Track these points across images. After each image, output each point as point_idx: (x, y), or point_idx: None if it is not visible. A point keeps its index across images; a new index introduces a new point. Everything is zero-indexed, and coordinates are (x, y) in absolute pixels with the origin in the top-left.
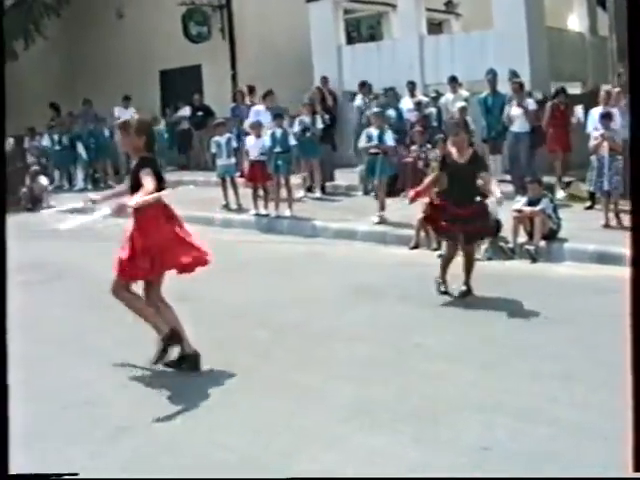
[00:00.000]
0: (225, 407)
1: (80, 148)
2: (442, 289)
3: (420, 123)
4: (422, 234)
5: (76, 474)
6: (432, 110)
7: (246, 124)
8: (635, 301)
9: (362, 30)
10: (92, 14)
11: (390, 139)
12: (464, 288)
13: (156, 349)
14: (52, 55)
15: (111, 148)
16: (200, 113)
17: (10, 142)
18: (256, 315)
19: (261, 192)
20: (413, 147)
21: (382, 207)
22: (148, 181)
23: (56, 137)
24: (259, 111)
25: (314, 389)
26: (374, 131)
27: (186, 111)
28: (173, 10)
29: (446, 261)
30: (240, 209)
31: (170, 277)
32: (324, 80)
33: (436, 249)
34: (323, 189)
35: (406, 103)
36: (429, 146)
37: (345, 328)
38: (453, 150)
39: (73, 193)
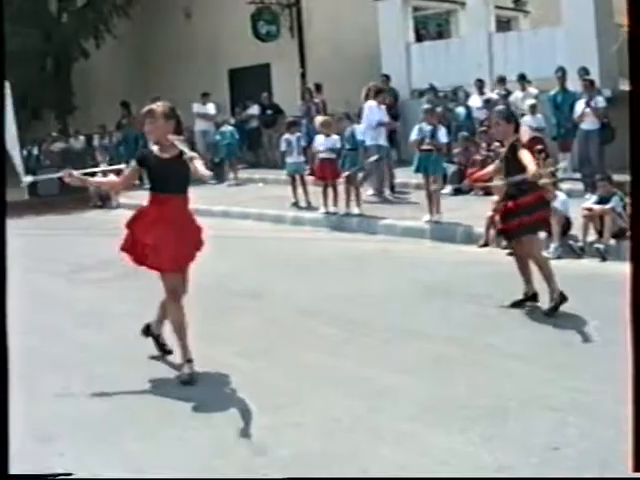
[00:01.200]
0: (296, 404)
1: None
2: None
3: (489, 121)
4: (491, 232)
5: (70, 474)
6: (501, 108)
7: (317, 122)
8: (635, 298)
9: (430, 28)
10: (160, 14)
11: (443, 136)
12: (552, 304)
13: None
14: (122, 54)
15: None
16: (269, 112)
17: (81, 140)
18: (326, 312)
19: (330, 190)
20: (482, 145)
21: (437, 206)
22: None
23: (127, 135)
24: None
25: (385, 386)
26: (426, 127)
27: (255, 109)
28: (242, 9)
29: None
30: (309, 207)
31: (242, 275)
32: (386, 78)
33: (505, 247)
34: (392, 188)
35: (474, 101)
36: (497, 144)
37: (415, 326)
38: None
39: (144, 191)
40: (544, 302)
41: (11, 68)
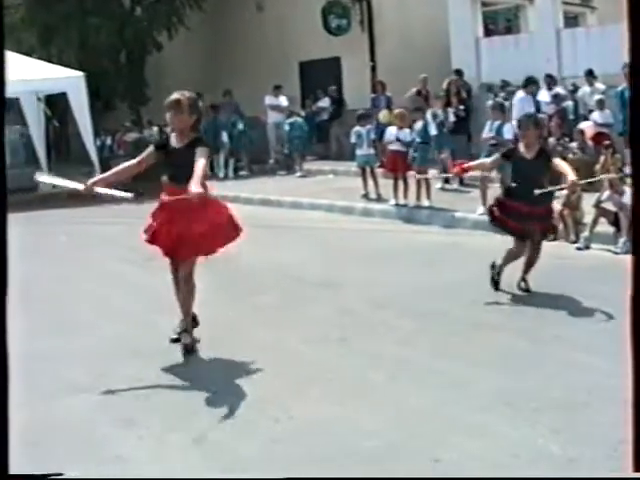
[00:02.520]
0: (370, 395)
1: (224, 136)
2: (496, 278)
3: (558, 116)
4: (561, 226)
5: (60, 474)
6: (569, 103)
7: (381, 116)
8: (636, 297)
9: (499, 23)
10: (232, 6)
11: (508, 132)
12: (523, 285)
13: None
14: (194, 46)
15: (248, 138)
16: (333, 105)
17: (154, 130)
18: (398, 303)
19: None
20: (550, 139)
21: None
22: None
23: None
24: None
25: (456, 377)
26: (494, 123)
27: (325, 102)
28: (313, 2)
29: (513, 258)
30: (379, 199)
31: (313, 265)
32: (458, 73)
33: (574, 241)
34: (461, 181)
35: (543, 96)
36: (567, 139)
37: (486, 318)
38: (521, 145)
39: (215, 181)
40: None
41: (86, 60)
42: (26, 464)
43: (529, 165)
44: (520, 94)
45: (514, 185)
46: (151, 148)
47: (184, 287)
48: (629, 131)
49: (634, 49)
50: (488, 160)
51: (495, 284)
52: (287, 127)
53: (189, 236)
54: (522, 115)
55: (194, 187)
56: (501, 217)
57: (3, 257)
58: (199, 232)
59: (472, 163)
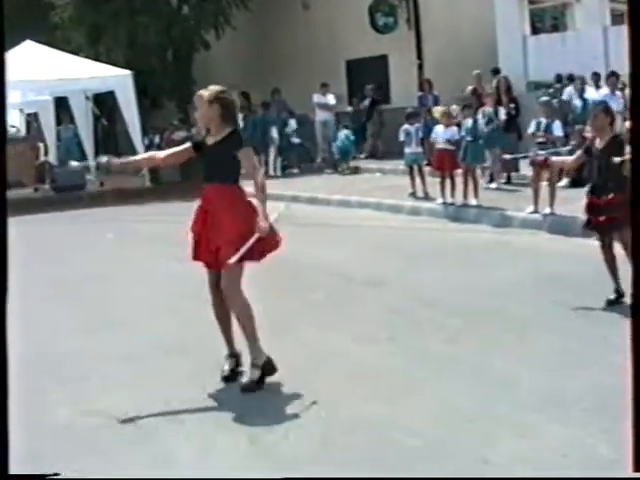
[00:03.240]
0: (418, 393)
1: (274, 132)
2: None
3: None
4: None
5: (58, 474)
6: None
7: (435, 112)
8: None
9: (546, 21)
10: (278, 5)
11: (558, 129)
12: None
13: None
14: (241, 45)
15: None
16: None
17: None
18: (447, 301)
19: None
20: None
21: (553, 198)
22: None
23: (246, 123)
24: None
25: (505, 376)
26: (543, 120)
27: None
28: (360, 1)
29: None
30: (427, 197)
31: (361, 263)
32: (496, 71)
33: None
34: (509, 179)
35: (591, 94)
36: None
37: (535, 317)
38: (594, 137)
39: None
40: None
41: (133, 59)
42: (73, 459)
43: (600, 155)
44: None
45: (592, 179)
46: (188, 144)
47: (231, 302)
48: (630, 136)
49: (634, 52)
50: (570, 158)
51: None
52: (334, 137)
53: (226, 235)
54: (594, 104)
55: (262, 223)
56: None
57: (3, 258)
58: (239, 232)
59: (555, 159)
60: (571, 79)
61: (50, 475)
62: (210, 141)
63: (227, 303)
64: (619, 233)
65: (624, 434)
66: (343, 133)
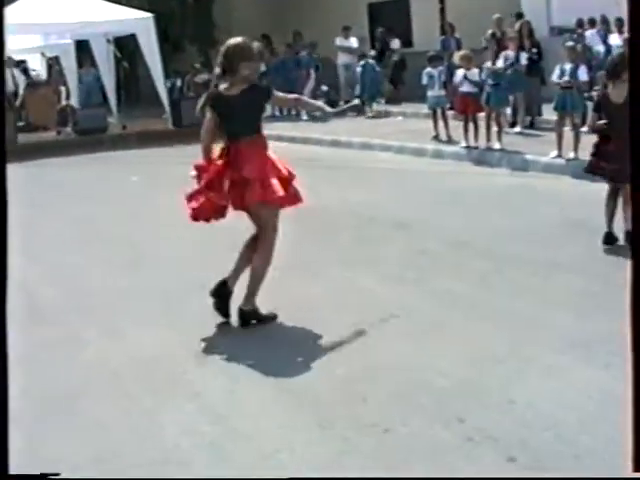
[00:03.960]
0: (445, 334)
1: (311, 72)
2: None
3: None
4: None
5: (58, 474)
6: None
7: (456, 57)
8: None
9: None
10: None
11: (584, 74)
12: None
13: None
14: None
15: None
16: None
17: (217, 72)
18: (473, 244)
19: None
20: None
21: (577, 144)
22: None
23: (269, 66)
24: None
25: (532, 318)
26: (567, 65)
27: (396, 44)
28: None
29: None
30: (450, 141)
31: (386, 205)
32: (519, 16)
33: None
34: (532, 123)
35: (614, 39)
36: None
37: (560, 260)
38: (610, 88)
39: (289, 122)
40: None
41: (153, 1)
42: (104, 401)
43: (618, 110)
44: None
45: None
46: (209, 113)
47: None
48: (630, 128)
49: (633, 47)
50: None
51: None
52: (359, 69)
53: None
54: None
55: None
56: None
57: (3, 252)
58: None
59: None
60: (592, 23)
61: (50, 475)
62: (233, 91)
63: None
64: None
65: None
66: (369, 63)
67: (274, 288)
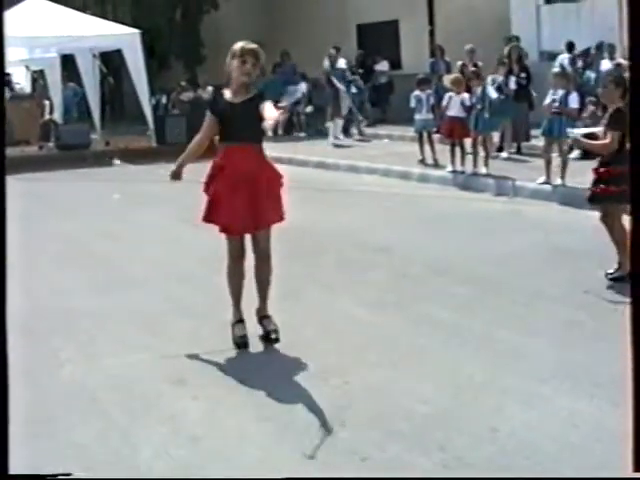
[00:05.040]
0: (426, 361)
1: (301, 87)
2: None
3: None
4: None
5: (69, 474)
6: (613, 70)
7: (445, 80)
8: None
9: None
10: None
11: (574, 101)
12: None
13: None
14: (251, 6)
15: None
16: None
17: (209, 90)
18: (456, 270)
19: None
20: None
21: (564, 170)
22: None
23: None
24: None
25: (514, 347)
26: (560, 92)
27: (384, 65)
28: None
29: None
30: (436, 165)
31: (370, 228)
32: (515, 39)
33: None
34: (519, 149)
35: (605, 65)
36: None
37: (545, 288)
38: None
39: (271, 142)
40: None
41: (140, 17)
42: (80, 422)
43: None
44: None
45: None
46: (210, 114)
47: (268, 262)
48: (630, 130)
49: (634, 47)
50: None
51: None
52: (342, 87)
53: (267, 200)
54: (607, 73)
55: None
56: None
57: (2, 251)
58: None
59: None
60: (586, 54)
61: (50, 475)
62: (238, 100)
63: (262, 264)
64: (612, 206)
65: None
66: (356, 80)
67: (254, 312)
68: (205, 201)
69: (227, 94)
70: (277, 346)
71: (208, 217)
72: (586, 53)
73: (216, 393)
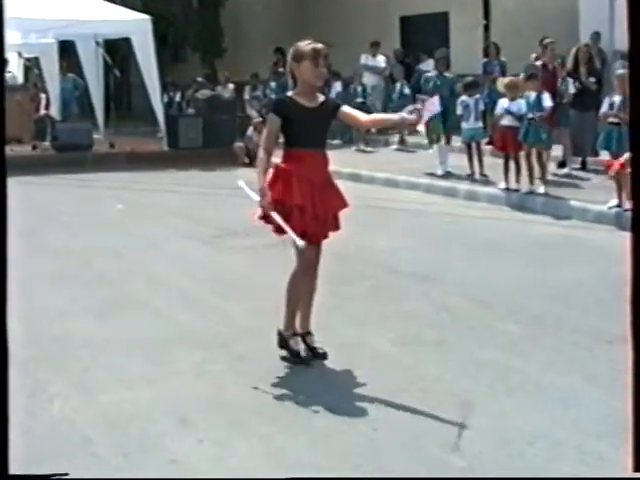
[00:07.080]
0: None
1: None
2: None
3: None
4: None
5: (67, 474)
6: None
7: (499, 84)
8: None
9: None
10: None
11: None
12: None
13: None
14: None
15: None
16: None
17: (229, 88)
18: (505, 304)
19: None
20: None
21: (627, 190)
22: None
23: (283, 84)
24: None
25: (571, 395)
26: (617, 98)
27: (429, 65)
28: None
29: None
30: (486, 181)
31: (409, 252)
32: (596, 37)
33: None
34: (584, 164)
35: None
36: None
37: (609, 328)
38: None
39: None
40: None
41: (152, 2)
42: (69, 467)
43: None
44: None
45: None
46: (276, 118)
47: (315, 276)
48: (630, 128)
49: (634, 45)
50: None
51: None
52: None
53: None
54: None
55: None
56: None
57: (3, 251)
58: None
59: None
60: None
61: (50, 475)
62: (312, 104)
63: (316, 277)
64: None
65: None
66: (397, 86)
67: (268, 339)
68: (275, 208)
69: (296, 97)
70: (301, 388)
71: (289, 224)
72: None
73: (225, 436)
